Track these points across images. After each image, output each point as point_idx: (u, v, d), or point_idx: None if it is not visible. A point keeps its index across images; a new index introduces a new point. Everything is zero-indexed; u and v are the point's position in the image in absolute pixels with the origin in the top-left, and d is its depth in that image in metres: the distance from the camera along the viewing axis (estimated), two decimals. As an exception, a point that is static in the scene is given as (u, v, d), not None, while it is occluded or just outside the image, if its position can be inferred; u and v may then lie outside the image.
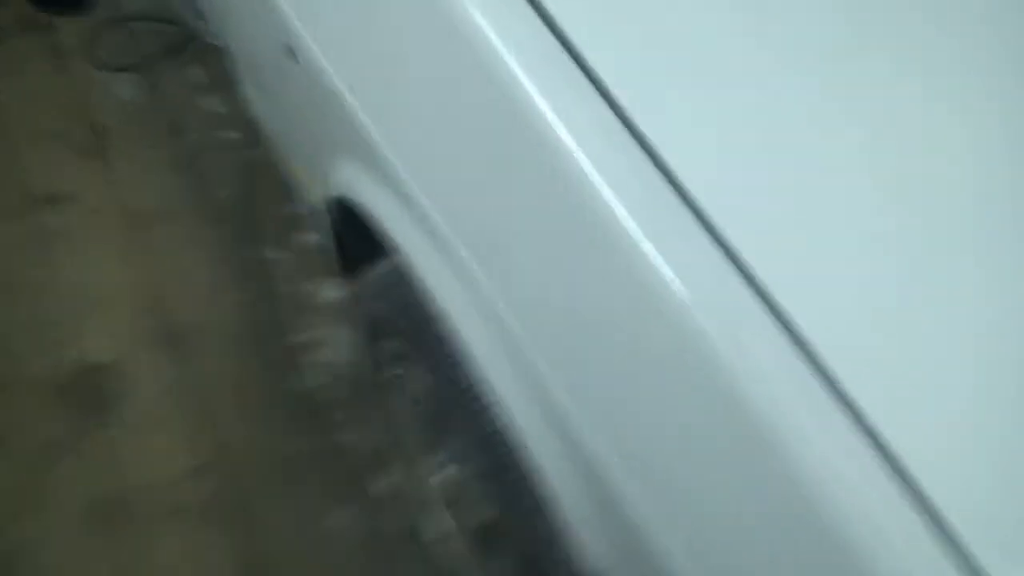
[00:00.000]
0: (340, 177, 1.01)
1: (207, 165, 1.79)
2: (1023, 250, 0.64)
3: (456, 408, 0.90)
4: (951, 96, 0.71)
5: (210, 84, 1.93)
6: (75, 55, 1.96)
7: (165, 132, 1.84)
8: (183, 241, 1.68)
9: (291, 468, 1.46)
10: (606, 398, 0.71)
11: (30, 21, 1.99)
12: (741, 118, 0.66)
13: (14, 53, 1.94)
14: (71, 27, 1.99)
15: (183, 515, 1.40)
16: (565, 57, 0.67)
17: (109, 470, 1.42)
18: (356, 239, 1.02)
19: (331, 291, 1.61)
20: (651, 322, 0.63)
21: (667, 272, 0.61)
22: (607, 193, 0.63)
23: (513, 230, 0.75)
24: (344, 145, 0.97)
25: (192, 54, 1.99)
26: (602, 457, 0.71)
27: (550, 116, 0.66)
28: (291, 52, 1.00)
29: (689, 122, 0.66)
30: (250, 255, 1.65)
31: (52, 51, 1.96)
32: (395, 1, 0.82)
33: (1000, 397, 0.58)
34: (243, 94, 1.57)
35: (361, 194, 0.95)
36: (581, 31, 0.68)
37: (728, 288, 0.60)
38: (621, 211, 0.63)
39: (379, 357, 1.23)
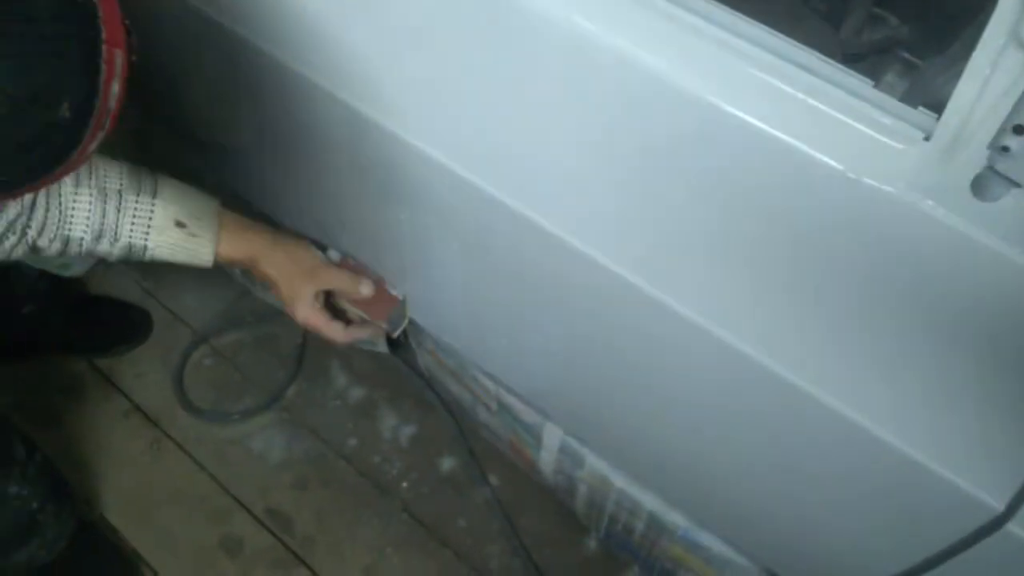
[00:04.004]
0: None
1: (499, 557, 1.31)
2: None
3: None
4: None
5: (372, 399, 1.43)
6: (165, 414, 1.40)
7: (383, 507, 1.32)
8: None
9: None
10: None
11: (72, 390, 1.40)
12: None
13: (97, 443, 1.36)
14: (132, 376, 1.43)
15: None
16: None
17: None
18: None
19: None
20: None
21: None
22: None
23: None
24: None
25: (312, 359, 1.48)
26: None
27: None
28: None
29: None
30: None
31: (129, 419, 1.40)
32: None
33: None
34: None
35: None
36: None
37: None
38: None
39: None
